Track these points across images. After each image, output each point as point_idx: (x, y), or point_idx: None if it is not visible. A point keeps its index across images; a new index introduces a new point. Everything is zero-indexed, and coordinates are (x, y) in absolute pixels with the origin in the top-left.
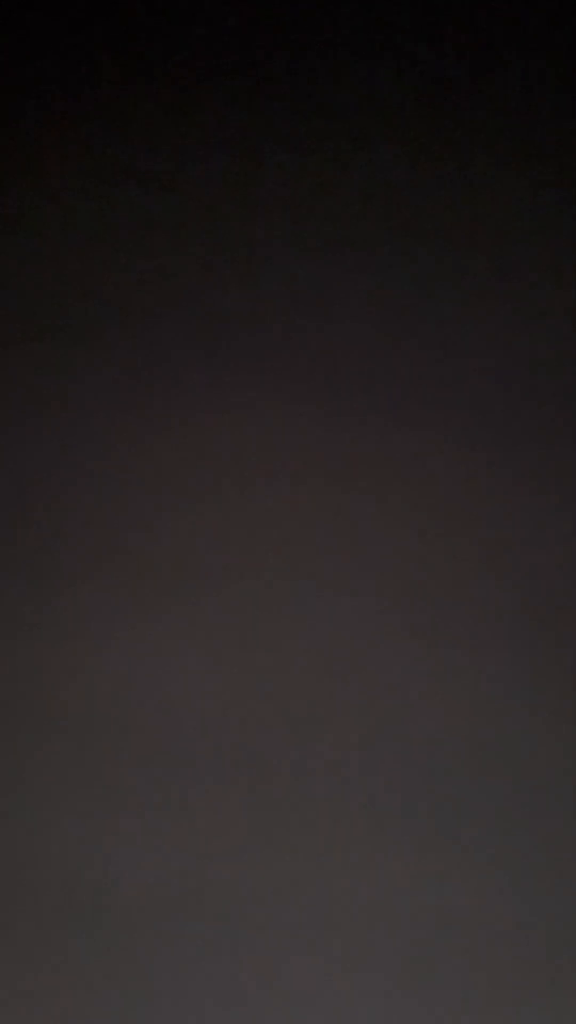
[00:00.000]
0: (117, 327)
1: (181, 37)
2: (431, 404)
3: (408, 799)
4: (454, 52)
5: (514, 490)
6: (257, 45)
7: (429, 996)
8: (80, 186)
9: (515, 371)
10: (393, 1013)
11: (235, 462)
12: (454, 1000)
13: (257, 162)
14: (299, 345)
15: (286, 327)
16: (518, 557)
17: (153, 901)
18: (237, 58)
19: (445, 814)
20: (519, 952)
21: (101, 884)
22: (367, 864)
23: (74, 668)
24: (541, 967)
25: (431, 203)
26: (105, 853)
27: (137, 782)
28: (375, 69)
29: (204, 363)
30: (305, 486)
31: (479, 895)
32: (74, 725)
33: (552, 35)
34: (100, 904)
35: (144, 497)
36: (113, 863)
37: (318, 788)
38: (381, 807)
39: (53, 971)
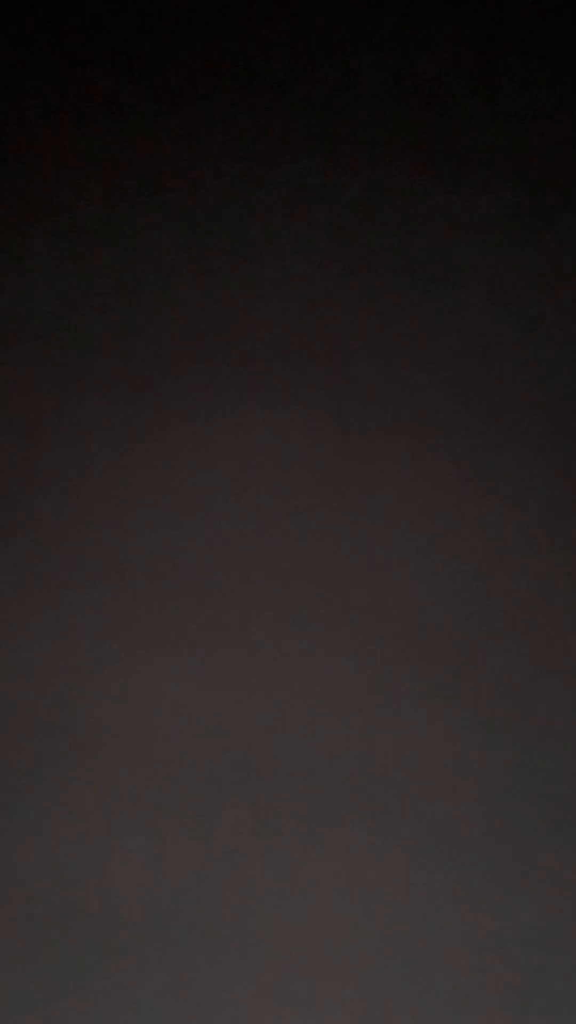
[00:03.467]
0: (116, 330)
1: (181, 37)
2: (433, 410)
3: (406, 816)
4: (454, 55)
5: (515, 501)
6: (258, 46)
7: (427, 1005)
8: (80, 186)
9: (516, 378)
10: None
11: (234, 470)
12: (451, 1010)
13: (258, 164)
14: (300, 351)
15: (286, 332)
16: (517, 571)
17: (150, 911)
18: (238, 59)
19: (443, 828)
20: (518, 960)
21: (98, 896)
22: (365, 877)
23: (71, 679)
24: (539, 975)
25: (431, 207)
26: (102, 865)
27: (134, 794)
28: (375, 70)
29: (203, 368)
30: (306, 495)
31: (477, 907)
32: (71, 733)
33: (552, 37)
34: (98, 915)
35: (141, 507)
36: (109, 875)
37: (317, 804)
38: (379, 823)
39: (50, 983)
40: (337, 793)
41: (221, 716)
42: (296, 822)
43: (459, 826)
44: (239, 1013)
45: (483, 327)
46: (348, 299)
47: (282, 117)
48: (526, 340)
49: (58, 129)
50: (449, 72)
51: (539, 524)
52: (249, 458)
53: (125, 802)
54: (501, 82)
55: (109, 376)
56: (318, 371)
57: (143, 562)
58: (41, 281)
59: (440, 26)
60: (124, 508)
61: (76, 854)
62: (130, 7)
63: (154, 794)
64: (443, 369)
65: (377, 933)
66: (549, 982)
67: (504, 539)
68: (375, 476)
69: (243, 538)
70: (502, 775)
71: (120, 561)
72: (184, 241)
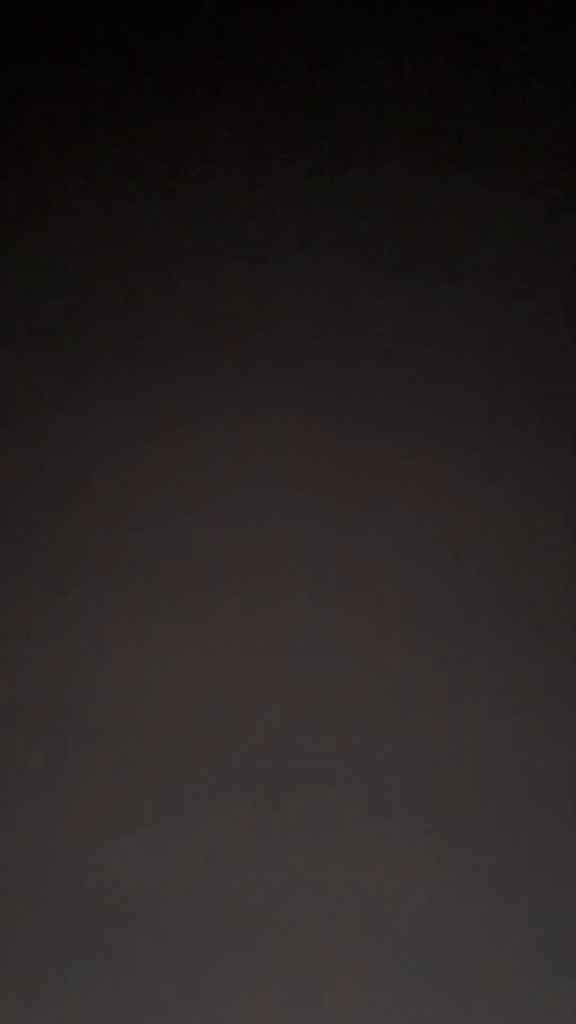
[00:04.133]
0: (116, 330)
1: (182, 37)
2: (432, 407)
3: (411, 808)
4: (454, 55)
5: (515, 496)
6: (258, 46)
7: (431, 1003)
8: (80, 186)
9: (516, 376)
10: (397, 1019)
11: (234, 470)
12: (455, 1006)
13: (259, 164)
14: (299, 348)
15: (286, 330)
16: (518, 565)
17: (154, 907)
18: (238, 59)
19: (447, 823)
20: (521, 959)
21: (101, 890)
22: (368, 874)
23: (74, 672)
24: (542, 972)
25: (432, 206)
26: (105, 859)
27: (136, 792)
28: (375, 69)
29: (203, 368)
30: (306, 494)
31: (482, 903)
32: (74, 730)
33: (553, 37)
34: (100, 913)
35: (141, 507)
36: (113, 869)
37: (320, 794)
38: (383, 821)
39: (52, 979)
40: (340, 789)
41: (224, 714)
42: (299, 819)
43: (463, 823)
44: (242, 1011)
45: (484, 326)
46: (348, 299)
47: (283, 117)
48: (528, 338)
49: (58, 129)
50: (449, 72)
51: (542, 522)
52: (249, 458)
53: (127, 800)
54: (502, 81)
55: (109, 376)
56: (318, 371)
57: (143, 561)
58: (42, 281)
59: (440, 26)
60: (124, 508)
61: (78, 852)
62: (130, 7)
63: (156, 792)
64: (444, 368)
65: (380, 930)
66: (553, 978)
67: (506, 537)
68: (375, 476)
69: (244, 537)
70: (507, 771)
71: (120, 560)
72: (184, 241)
